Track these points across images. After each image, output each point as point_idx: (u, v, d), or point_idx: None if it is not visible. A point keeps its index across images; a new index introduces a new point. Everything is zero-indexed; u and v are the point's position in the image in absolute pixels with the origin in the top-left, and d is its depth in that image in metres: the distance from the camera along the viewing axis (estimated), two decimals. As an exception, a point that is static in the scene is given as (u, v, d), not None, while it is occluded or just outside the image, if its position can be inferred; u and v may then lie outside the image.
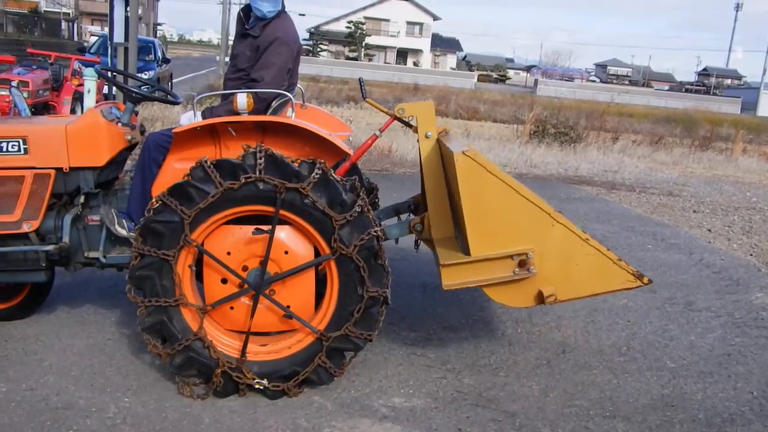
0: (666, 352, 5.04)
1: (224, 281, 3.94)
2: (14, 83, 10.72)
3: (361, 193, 3.90)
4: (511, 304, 4.09)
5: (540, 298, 4.00)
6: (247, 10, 4.48)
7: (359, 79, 5.09)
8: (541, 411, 4.05)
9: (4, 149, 4.06)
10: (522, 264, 3.93)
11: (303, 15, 69.50)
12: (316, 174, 3.75)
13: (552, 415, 4.01)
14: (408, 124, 4.55)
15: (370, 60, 78.16)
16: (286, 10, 4.52)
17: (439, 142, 4.37)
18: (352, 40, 79.41)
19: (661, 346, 5.14)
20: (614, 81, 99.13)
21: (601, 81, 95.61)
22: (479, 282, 3.99)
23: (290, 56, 4.36)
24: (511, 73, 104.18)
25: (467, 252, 4.00)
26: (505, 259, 3.92)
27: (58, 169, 4.12)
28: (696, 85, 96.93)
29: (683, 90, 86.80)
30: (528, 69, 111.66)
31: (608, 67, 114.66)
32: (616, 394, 4.32)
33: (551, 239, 3.93)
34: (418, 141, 4.45)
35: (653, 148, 18.99)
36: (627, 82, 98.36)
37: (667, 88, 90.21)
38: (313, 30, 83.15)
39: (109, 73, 5.25)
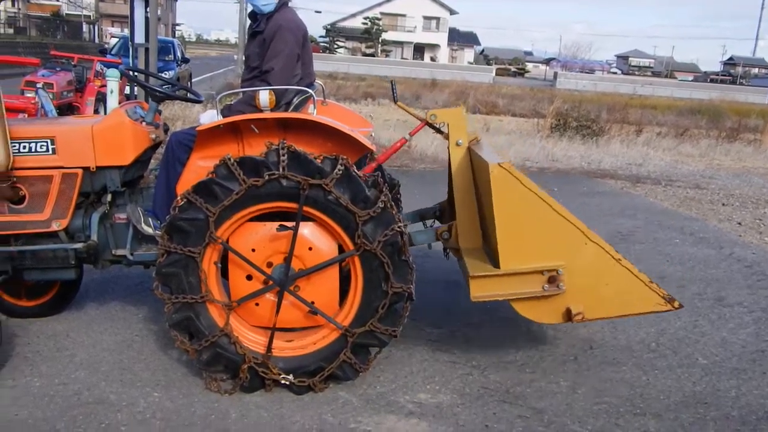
0: (697, 348, 4.97)
1: (249, 278, 3.97)
2: (39, 85, 10.86)
3: (384, 189, 3.91)
4: (538, 320, 4.05)
5: (568, 316, 3.95)
6: (254, 13, 4.52)
7: (391, 82, 5.07)
8: (569, 408, 4.03)
9: (33, 149, 4.12)
10: (552, 280, 3.88)
11: (319, 12, 70.04)
12: (339, 170, 3.76)
13: (580, 412, 3.98)
14: (438, 131, 4.54)
15: (386, 56, 77.99)
16: (290, 5, 4.53)
17: (469, 150, 4.37)
18: (369, 36, 79.26)
19: (691, 342, 5.08)
20: (636, 72, 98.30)
21: (623, 73, 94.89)
22: (508, 296, 3.95)
23: (296, 42, 4.35)
24: (530, 66, 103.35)
25: (496, 263, 3.96)
26: (535, 274, 3.89)
27: (86, 169, 4.17)
28: (722, 75, 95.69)
29: (708, 80, 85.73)
30: (547, 62, 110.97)
31: (630, 59, 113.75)
32: (647, 391, 4.27)
33: (583, 257, 3.88)
34: (448, 148, 4.44)
35: (678, 141, 18.72)
36: (649, 74, 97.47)
37: (691, 78, 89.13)
38: (329, 27, 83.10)
39: (134, 74, 5.29)
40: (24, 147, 4.10)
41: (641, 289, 3.94)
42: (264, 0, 4.36)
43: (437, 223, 5.11)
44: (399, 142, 4.54)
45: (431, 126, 4.49)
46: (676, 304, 3.96)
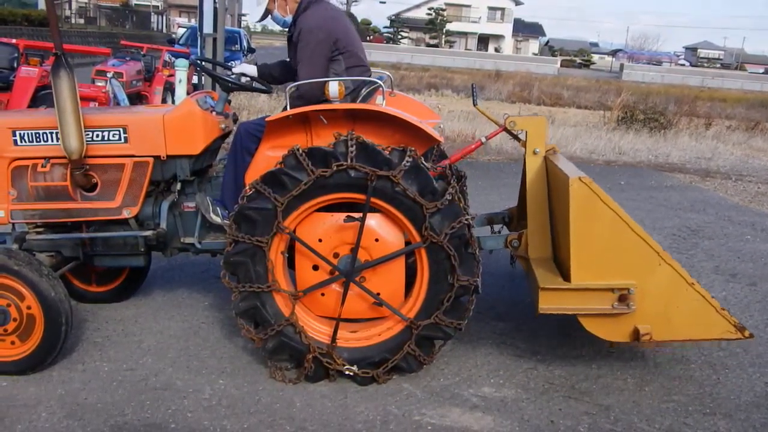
0: (769, 347, 4.80)
1: (315, 268, 3.98)
2: (110, 74, 11.13)
3: (451, 181, 3.87)
4: (604, 337, 4.00)
5: (636, 336, 3.90)
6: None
7: (472, 84, 5.02)
8: (636, 405, 3.94)
9: (106, 138, 4.19)
10: (622, 299, 3.83)
11: (383, 2, 69.57)
12: (407, 162, 3.73)
13: (648, 410, 3.89)
14: (516, 138, 4.50)
15: (450, 47, 77.60)
16: None
17: (546, 160, 4.33)
18: (433, 27, 78.95)
19: (763, 341, 4.90)
20: (705, 64, 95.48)
21: (691, 65, 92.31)
22: (576, 311, 3.92)
23: (317, 42, 4.22)
24: (595, 57, 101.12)
25: (566, 277, 3.93)
26: (605, 292, 3.84)
27: (156, 157, 4.22)
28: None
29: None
30: (613, 53, 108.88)
31: (699, 50, 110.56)
32: (716, 390, 4.15)
33: (656, 278, 3.82)
34: (524, 156, 4.41)
35: (749, 134, 18.14)
36: (719, 66, 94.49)
37: (762, 70, 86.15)
38: (393, 17, 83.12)
39: (207, 64, 5.36)
40: (97, 135, 4.18)
41: (712, 315, 3.87)
42: (282, 16, 4.40)
43: (505, 229, 5.07)
44: (474, 145, 4.49)
45: (509, 132, 4.44)
46: (746, 333, 3.89)
